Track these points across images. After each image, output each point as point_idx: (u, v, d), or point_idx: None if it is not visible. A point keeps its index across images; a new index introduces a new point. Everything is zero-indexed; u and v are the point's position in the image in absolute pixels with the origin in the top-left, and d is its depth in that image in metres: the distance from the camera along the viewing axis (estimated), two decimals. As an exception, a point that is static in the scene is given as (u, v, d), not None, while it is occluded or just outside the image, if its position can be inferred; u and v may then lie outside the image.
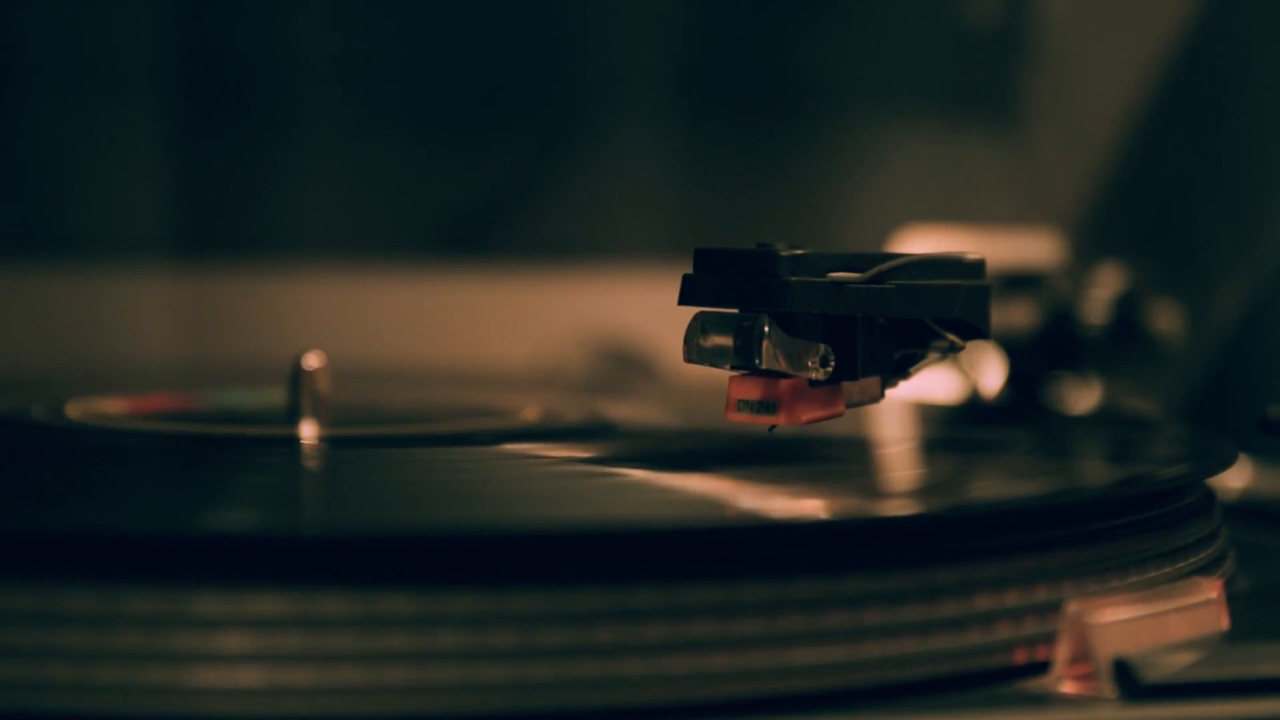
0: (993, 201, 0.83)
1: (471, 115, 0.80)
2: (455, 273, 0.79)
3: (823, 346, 0.39)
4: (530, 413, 0.51)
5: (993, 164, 0.83)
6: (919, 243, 0.66)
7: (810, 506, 0.37)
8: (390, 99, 0.80)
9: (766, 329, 0.38)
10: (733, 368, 0.39)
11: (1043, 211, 0.79)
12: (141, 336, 0.76)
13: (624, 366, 0.75)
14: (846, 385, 0.40)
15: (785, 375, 0.39)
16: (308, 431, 0.46)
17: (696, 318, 0.39)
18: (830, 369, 0.39)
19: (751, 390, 0.39)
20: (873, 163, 0.83)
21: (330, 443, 0.45)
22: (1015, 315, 0.61)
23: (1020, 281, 0.62)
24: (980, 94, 0.84)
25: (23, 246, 0.76)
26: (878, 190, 0.83)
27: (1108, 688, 0.33)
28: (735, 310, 0.39)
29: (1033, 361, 0.61)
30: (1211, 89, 0.76)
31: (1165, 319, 0.62)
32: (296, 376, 0.48)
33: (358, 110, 0.79)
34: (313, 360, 0.48)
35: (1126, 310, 0.62)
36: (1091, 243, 0.71)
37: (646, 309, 0.74)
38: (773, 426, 0.39)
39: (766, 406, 0.39)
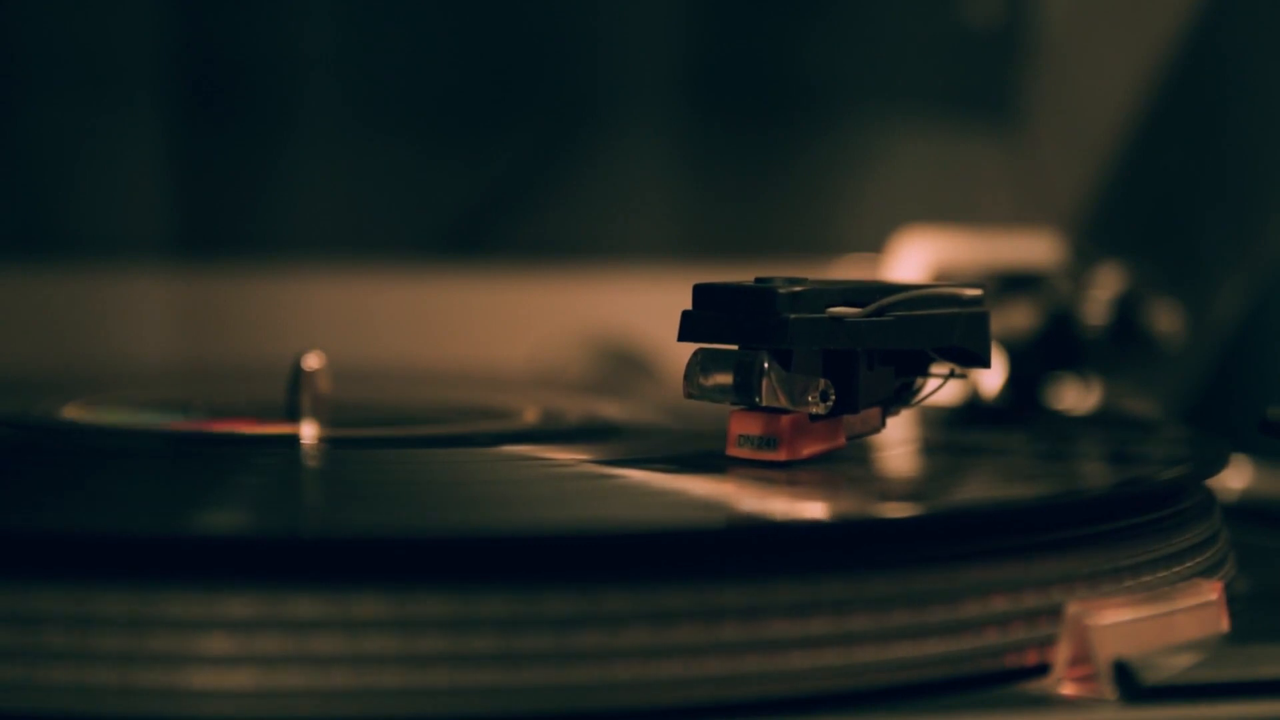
0: (993, 201, 0.83)
1: (472, 115, 0.80)
2: (455, 273, 0.79)
3: (823, 381, 0.40)
4: (529, 414, 0.51)
5: (993, 164, 0.83)
6: (919, 243, 0.65)
7: (808, 509, 0.37)
8: (391, 99, 0.80)
9: (766, 365, 0.39)
10: (733, 404, 0.40)
11: (1043, 211, 0.79)
12: (141, 336, 0.76)
13: (624, 366, 0.75)
14: (847, 417, 0.41)
15: (786, 411, 0.39)
16: (307, 432, 0.46)
17: (696, 354, 0.40)
18: (831, 403, 0.40)
19: (752, 426, 0.40)
20: (873, 163, 0.83)
21: (329, 444, 0.45)
22: (1015, 316, 0.61)
23: (1020, 282, 0.62)
24: (980, 94, 0.84)
25: (23, 246, 0.76)
26: (878, 190, 0.83)
27: (1108, 689, 0.33)
28: (735, 346, 0.39)
29: (1033, 362, 0.61)
30: (1212, 89, 0.76)
31: (1165, 319, 0.62)
32: (296, 376, 0.48)
33: (358, 110, 0.79)
34: (313, 360, 0.48)
35: (1126, 310, 0.62)
36: (1091, 243, 0.71)
37: (646, 309, 0.74)
38: (774, 462, 0.39)
39: (767, 442, 0.39)
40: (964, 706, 0.33)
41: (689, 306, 0.40)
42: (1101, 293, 0.62)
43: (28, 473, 0.41)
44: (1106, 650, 0.34)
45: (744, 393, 0.39)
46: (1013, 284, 0.62)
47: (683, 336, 0.40)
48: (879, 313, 0.40)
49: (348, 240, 0.79)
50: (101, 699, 0.30)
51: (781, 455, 0.39)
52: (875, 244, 0.72)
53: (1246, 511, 0.53)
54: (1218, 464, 0.43)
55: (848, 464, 0.41)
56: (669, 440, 0.49)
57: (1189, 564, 0.39)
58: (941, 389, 0.42)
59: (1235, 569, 0.42)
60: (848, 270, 0.73)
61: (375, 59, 0.80)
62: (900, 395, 0.42)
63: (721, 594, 0.32)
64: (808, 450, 0.40)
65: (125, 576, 0.31)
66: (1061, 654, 0.34)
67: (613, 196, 0.81)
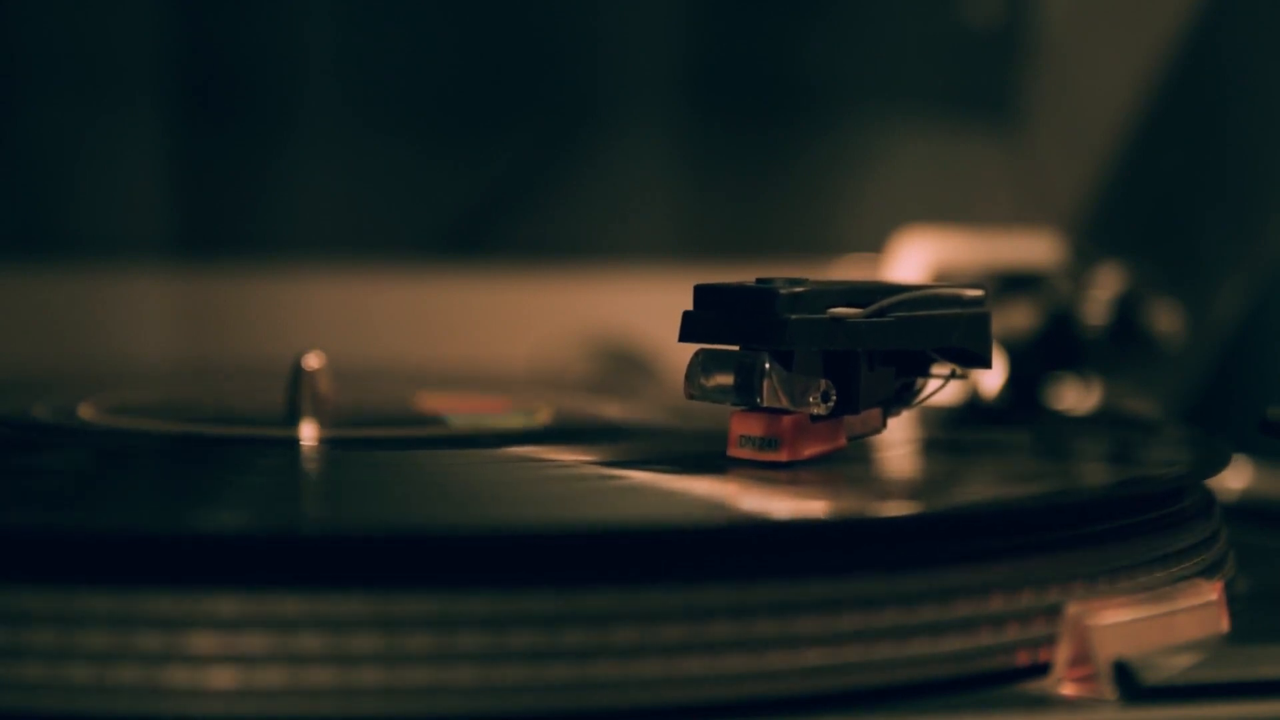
0: (993, 201, 0.83)
1: (472, 115, 0.80)
2: (455, 273, 0.79)
3: (824, 381, 0.40)
4: (530, 414, 0.51)
5: (993, 164, 0.83)
6: (919, 243, 0.65)
7: (809, 508, 0.37)
8: (391, 99, 0.80)
9: (767, 366, 0.39)
10: (734, 404, 0.40)
11: (1043, 211, 0.79)
12: (141, 336, 0.76)
13: (624, 366, 0.75)
14: (848, 418, 0.41)
15: (787, 411, 0.39)
16: (307, 432, 0.46)
17: (697, 355, 0.40)
18: (831, 404, 0.40)
19: (753, 427, 0.40)
20: (873, 163, 0.83)
21: (329, 444, 0.45)
22: (1015, 316, 0.61)
23: (1020, 282, 0.62)
24: (980, 94, 0.84)
25: (23, 246, 0.76)
26: (878, 190, 0.83)
27: (1108, 690, 0.33)
28: (736, 347, 0.39)
29: (1033, 362, 0.61)
30: (1212, 88, 0.76)
31: (1165, 319, 0.62)
32: (296, 376, 0.48)
33: (358, 110, 0.79)
34: (313, 360, 0.48)
35: (1126, 310, 0.62)
36: (1091, 243, 0.71)
37: (647, 309, 0.74)
38: (775, 463, 0.39)
39: (769, 443, 0.39)
40: (964, 706, 0.33)
41: (689, 307, 0.40)
42: (1101, 293, 0.62)
43: (28, 474, 0.41)
44: (1106, 650, 0.34)
45: (745, 393, 0.39)
46: (1013, 284, 0.62)
47: (684, 337, 0.40)
48: (880, 313, 0.40)
49: (348, 240, 0.79)
50: (132, 697, 0.31)
51: (783, 456, 0.39)
52: (875, 244, 0.72)
53: (1246, 511, 0.53)
54: (1218, 464, 0.43)
55: (849, 464, 0.41)
56: (670, 441, 0.49)
57: (1189, 564, 0.39)
58: (942, 389, 0.42)
59: (1235, 569, 0.42)
60: (848, 270, 0.73)
61: (375, 59, 0.80)
62: (901, 396, 0.42)
63: (717, 593, 0.32)
64: (809, 451, 0.40)
65: (121, 576, 0.31)
66: (1062, 654, 0.34)
67: (613, 196, 0.81)
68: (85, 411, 0.50)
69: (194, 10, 0.77)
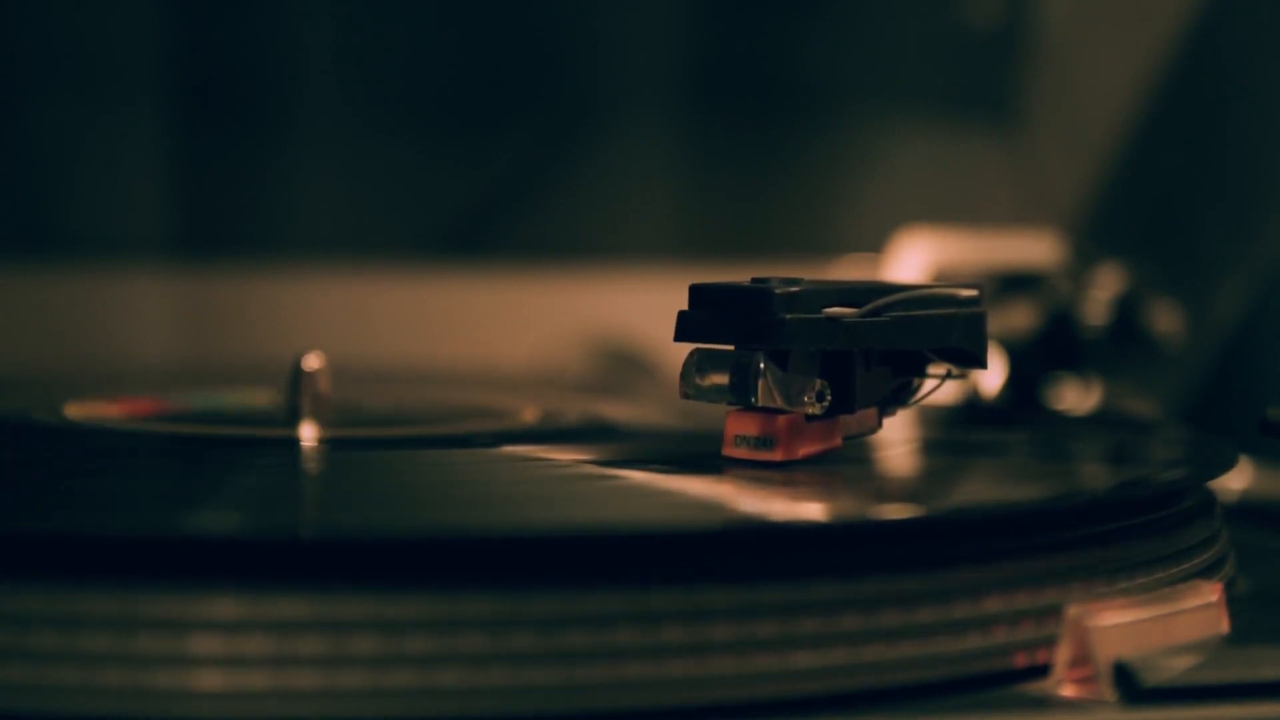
0: (993, 202, 0.83)
1: (472, 115, 0.80)
2: (455, 273, 0.79)
3: (819, 381, 0.39)
4: (529, 414, 0.51)
5: (993, 164, 0.83)
6: (919, 243, 0.65)
7: (808, 509, 0.37)
8: (391, 99, 0.80)
9: (762, 366, 0.38)
10: (730, 404, 0.40)
11: (1043, 211, 0.79)
12: (141, 336, 0.76)
13: (624, 366, 0.75)
14: (844, 417, 0.41)
15: (782, 411, 0.39)
16: (307, 433, 0.46)
17: (693, 355, 0.40)
18: (827, 403, 0.40)
19: (749, 426, 0.40)
20: (873, 163, 0.83)
21: (329, 444, 0.45)
22: (1015, 316, 0.61)
23: (1020, 282, 0.62)
24: (980, 94, 0.84)
25: (23, 246, 0.76)
26: (878, 190, 0.83)
27: (1108, 691, 0.33)
28: (731, 347, 0.39)
29: (1033, 362, 0.61)
30: (1212, 88, 0.76)
31: (1165, 319, 0.62)
32: (296, 376, 0.48)
33: (358, 110, 0.79)
34: (313, 360, 0.48)
35: (1126, 310, 0.62)
36: (1091, 243, 0.71)
37: (646, 309, 0.74)
38: (770, 463, 0.39)
39: (764, 442, 0.39)
40: (964, 707, 0.33)
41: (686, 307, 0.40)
42: (1101, 293, 0.62)
43: (27, 474, 0.41)
44: (1107, 651, 0.34)
45: (740, 393, 0.39)
46: (1013, 284, 0.62)
47: (679, 337, 0.40)
48: (875, 313, 0.40)
49: (348, 240, 0.79)
50: (101, 700, 0.31)
51: (778, 455, 0.39)
52: (875, 244, 0.72)
53: (1246, 511, 0.53)
54: (1221, 466, 0.43)
55: (845, 464, 0.41)
56: (668, 440, 0.49)
57: (1189, 565, 0.39)
58: (938, 389, 0.42)
59: (1235, 569, 0.42)
60: (848, 270, 0.73)
61: (375, 59, 0.80)
62: (897, 396, 0.42)
63: (718, 595, 0.32)
64: (804, 451, 0.40)
65: (118, 577, 0.31)
66: (1062, 655, 0.34)
67: (613, 196, 0.81)
68: (84, 411, 0.50)
69: (194, 10, 0.77)
